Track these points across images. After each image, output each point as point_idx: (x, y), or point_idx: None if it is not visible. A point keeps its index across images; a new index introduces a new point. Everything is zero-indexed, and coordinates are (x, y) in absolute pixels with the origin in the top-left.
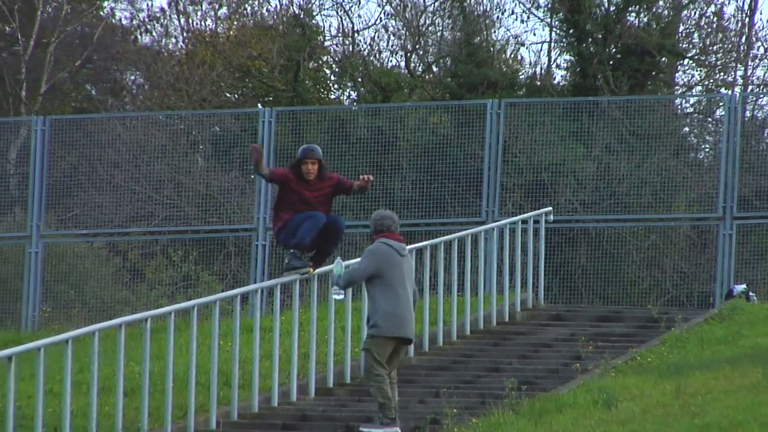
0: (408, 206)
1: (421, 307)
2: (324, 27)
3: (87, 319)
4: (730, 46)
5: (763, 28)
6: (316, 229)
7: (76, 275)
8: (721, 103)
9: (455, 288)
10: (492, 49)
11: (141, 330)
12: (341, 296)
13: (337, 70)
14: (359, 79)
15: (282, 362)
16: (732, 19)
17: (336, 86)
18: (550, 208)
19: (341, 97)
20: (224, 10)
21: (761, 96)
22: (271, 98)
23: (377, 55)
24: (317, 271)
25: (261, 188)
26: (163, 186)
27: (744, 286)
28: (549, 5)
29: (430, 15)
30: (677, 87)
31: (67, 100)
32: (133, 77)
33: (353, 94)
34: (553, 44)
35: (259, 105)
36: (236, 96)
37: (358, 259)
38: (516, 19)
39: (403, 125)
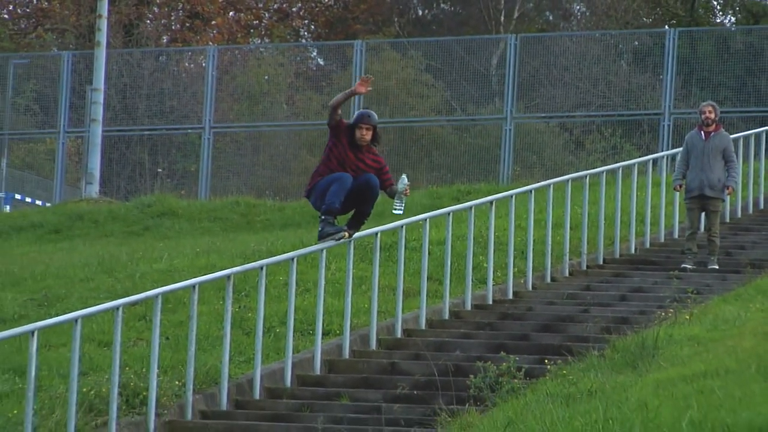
0: None
1: None
2: None
3: (543, 176)
4: None
5: None
6: (343, 191)
7: (537, 145)
8: None
9: None
10: None
11: (581, 185)
12: (400, 212)
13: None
14: (737, 7)
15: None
16: None
17: (720, 12)
18: None
19: (724, 21)
20: None
21: None
22: (674, 21)
23: None
24: (356, 235)
25: (667, 83)
26: (598, 83)
27: None
28: None
29: None
30: None
31: (532, 23)
32: (578, 6)
33: (732, 18)
34: None
35: (665, 26)
36: (650, 20)
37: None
38: None
39: None
